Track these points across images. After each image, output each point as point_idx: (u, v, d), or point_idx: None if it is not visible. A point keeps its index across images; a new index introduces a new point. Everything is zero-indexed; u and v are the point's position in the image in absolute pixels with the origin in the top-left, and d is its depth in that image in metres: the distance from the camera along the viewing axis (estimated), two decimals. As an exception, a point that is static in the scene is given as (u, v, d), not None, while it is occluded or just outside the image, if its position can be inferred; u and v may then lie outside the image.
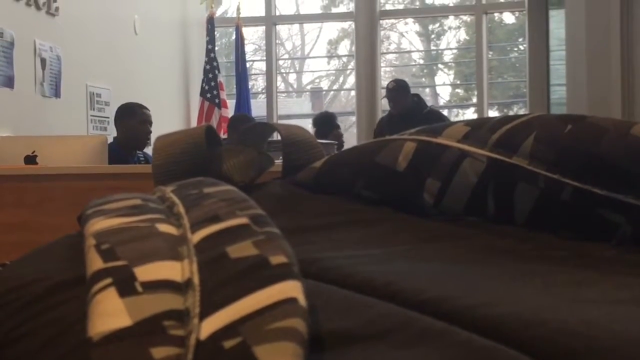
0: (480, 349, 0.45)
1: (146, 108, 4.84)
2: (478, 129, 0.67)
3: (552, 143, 0.63)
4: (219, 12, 8.46)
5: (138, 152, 4.85)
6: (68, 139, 4.07)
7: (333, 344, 0.47)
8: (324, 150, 0.85)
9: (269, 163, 0.88)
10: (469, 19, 9.32)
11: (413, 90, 6.37)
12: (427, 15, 9.77)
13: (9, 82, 4.94)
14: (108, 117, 5.95)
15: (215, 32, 8.13)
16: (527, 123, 0.65)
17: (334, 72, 11.45)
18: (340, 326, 0.49)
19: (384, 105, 7.65)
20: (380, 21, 8.27)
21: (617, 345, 0.44)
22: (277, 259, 0.50)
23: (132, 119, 4.75)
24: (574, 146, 0.62)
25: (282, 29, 9.86)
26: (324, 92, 11.85)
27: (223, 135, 6.15)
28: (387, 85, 6.24)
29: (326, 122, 6.42)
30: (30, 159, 3.52)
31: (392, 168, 0.69)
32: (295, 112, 10.32)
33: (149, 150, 4.81)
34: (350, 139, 7.88)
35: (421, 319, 0.49)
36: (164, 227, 0.56)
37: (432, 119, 5.55)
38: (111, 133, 5.29)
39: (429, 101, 7.36)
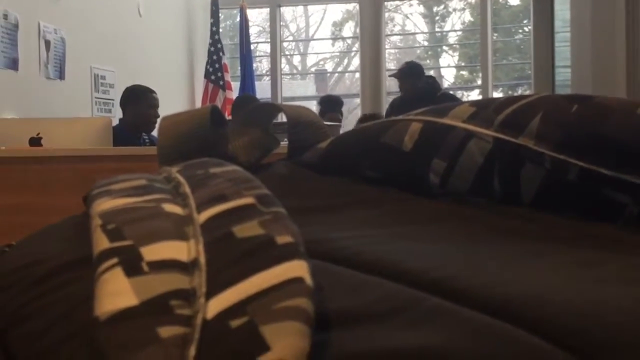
0: (487, 328, 0.45)
1: (154, 92, 4.85)
2: (484, 110, 0.66)
3: (558, 123, 0.63)
4: (223, -6, 8.43)
5: (143, 134, 4.86)
6: (73, 121, 4.07)
7: (340, 323, 0.47)
8: (329, 131, 0.85)
9: (275, 143, 0.87)
10: (473, 1, 9.28)
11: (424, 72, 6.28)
12: (431, -3, 9.72)
13: (14, 65, 4.93)
14: (113, 100, 5.95)
15: (220, 14, 8.11)
16: (533, 103, 0.65)
17: (338, 54, 11.43)
18: (347, 305, 0.49)
19: (388, 87, 7.64)
20: (385, 3, 8.23)
21: (623, 323, 0.44)
22: (283, 239, 0.50)
23: (141, 103, 4.76)
24: (580, 126, 0.62)
25: (287, 11, 9.83)
26: (329, 74, 11.83)
27: (227, 117, 6.15)
28: (400, 67, 6.20)
29: (329, 104, 6.39)
30: (35, 141, 3.52)
31: (398, 148, 0.69)
32: (300, 94, 10.31)
33: (154, 133, 4.81)
34: (355, 121, 7.87)
35: (428, 298, 0.49)
36: (170, 207, 0.56)
37: (444, 102, 5.50)
38: (115, 115, 5.30)
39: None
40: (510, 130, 0.64)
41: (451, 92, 6.85)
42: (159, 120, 4.78)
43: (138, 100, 4.76)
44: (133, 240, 0.51)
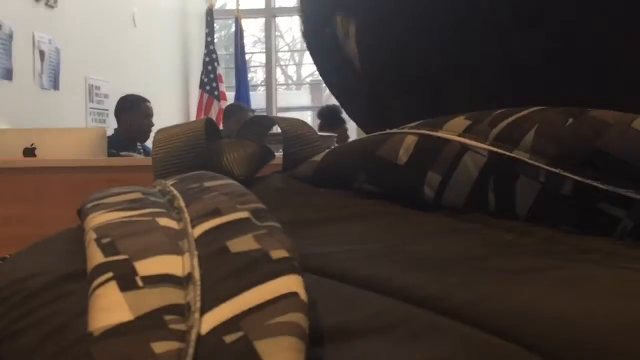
0: (482, 344, 0.45)
1: (148, 101, 4.87)
2: (479, 123, 0.66)
3: (553, 137, 0.63)
4: (218, 4, 8.45)
5: (138, 144, 4.87)
6: (67, 132, 4.07)
7: (334, 338, 0.47)
8: (324, 144, 0.84)
9: (269, 156, 0.87)
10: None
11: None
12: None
13: (8, 75, 4.93)
14: (107, 110, 5.96)
15: (215, 24, 8.13)
16: (528, 117, 0.65)
17: (333, 64, 11.43)
18: (341, 321, 0.49)
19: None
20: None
21: (619, 339, 0.44)
22: (278, 253, 0.50)
23: (135, 112, 4.78)
24: (575, 140, 0.62)
25: (282, 21, 9.84)
26: (324, 85, 11.87)
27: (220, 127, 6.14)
28: None
29: (330, 119, 6.39)
30: (29, 152, 3.52)
31: (393, 161, 0.69)
32: (295, 104, 10.32)
33: (148, 142, 4.81)
34: (350, 132, 7.88)
35: (422, 314, 0.49)
36: (164, 221, 0.56)
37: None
38: (110, 125, 5.30)
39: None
40: (505, 144, 0.64)
41: None
42: (153, 129, 4.77)
43: (132, 109, 4.78)
44: (128, 254, 0.51)
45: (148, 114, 4.69)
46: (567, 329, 0.45)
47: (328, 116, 6.33)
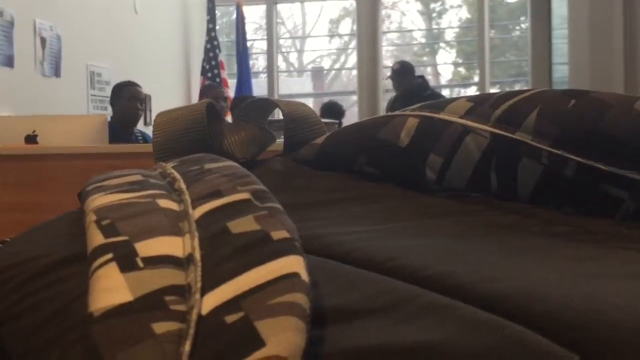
0: (484, 323, 0.44)
1: (136, 85, 4.81)
2: (481, 105, 0.66)
3: (555, 118, 0.62)
4: (219, -9, 8.41)
5: (136, 131, 4.85)
6: (68, 119, 4.06)
7: (336, 319, 0.47)
8: (325, 127, 0.84)
9: (270, 139, 0.87)
10: (470, -3, 9.28)
11: (415, 70, 6.36)
12: (428, -6, 9.71)
13: (9, 62, 4.92)
14: (108, 97, 5.95)
15: (216, 11, 8.10)
16: (530, 98, 0.65)
17: (335, 51, 11.41)
18: (343, 301, 0.49)
19: (385, 85, 7.63)
20: (382, 0, 8.23)
21: (621, 319, 0.43)
22: (278, 234, 0.50)
23: (121, 97, 4.74)
24: (578, 121, 0.62)
25: (283, 8, 9.79)
26: (325, 72, 11.82)
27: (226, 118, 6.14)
28: (392, 66, 6.25)
29: (334, 111, 6.38)
30: (31, 139, 3.51)
31: (395, 144, 0.68)
32: (297, 91, 10.29)
33: (149, 131, 4.80)
34: (352, 118, 7.86)
35: (424, 294, 0.48)
36: (164, 203, 0.56)
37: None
38: (111, 112, 5.29)
39: (430, 80, 7.34)
40: (507, 126, 0.63)
41: (438, 92, 6.85)
42: (152, 114, 4.73)
43: (118, 94, 4.75)
44: (128, 235, 0.51)
45: (133, 96, 4.62)
46: (571, 311, 0.45)
47: (330, 111, 6.35)
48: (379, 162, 0.71)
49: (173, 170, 0.62)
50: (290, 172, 0.78)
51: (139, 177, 0.62)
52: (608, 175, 0.59)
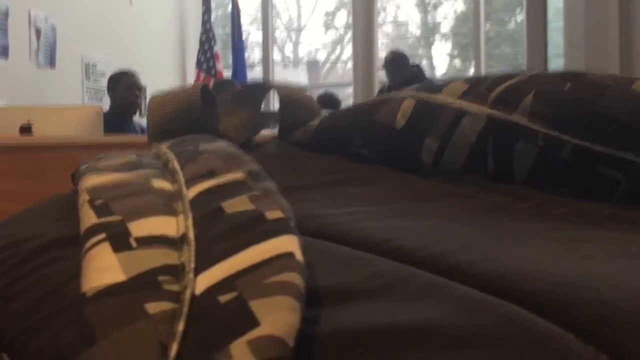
0: (480, 304, 0.44)
1: (132, 74, 4.79)
2: (477, 87, 0.66)
3: (551, 100, 0.62)
4: (214, -17, 8.39)
5: (135, 123, 4.83)
6: (63, 109, 4.05)
7: (331, 299, 0.47)
8: (321, 110, 0.84)
9: (266, 123, 0.87)
10: (466, -10, 9.27)
11: (410, 60, 6.33)
12: (424, -14, 9.70)
13: (4, 52, 4.91)
14: (104, 88, 5.93)
15: (212, 3, 8.07)
16: (527, 80, 0.64)
17: (330, 43, 11.40)
18: (339, 282, 0.49)
19: (380, 76, 7.62)
20: (377, -8, 8.21)
21: (617, 298, 0.43)
22: (273, 214, 0.49)
23: (119, 85, 4.72)
24: (574, 103, 0.61)
25: (278, 0, 9.78)
26: (321, 64, 11.81)
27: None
28: (386, 55, 6.23)
29: (331, 102, 6.37)
30: (26, 129, 3.50)
31: (391, 126, 0.68)
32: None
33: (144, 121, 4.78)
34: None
35: (421, 274, 0.48)
36: (158, 183, 0.55)
37: None
38: (106, 103, 5.27)
39: (426, 73, 7.33)
40: (503, 107, 0.63)
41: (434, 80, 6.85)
42: (146, 102, 4.76)
43: (115, 84, 4.73)
44: (121, 215, 0.50)
45: (129, 85, 4.57)
46: (567, 290, 0.45)
47: (327, 101, 6.34)
48: (375, 145, 0.71)
49: (167, 151, 0.62)
50: (286, 155, 0.77)
51: (132, 158, 0.61)
52: (604, 157, 0.59)
